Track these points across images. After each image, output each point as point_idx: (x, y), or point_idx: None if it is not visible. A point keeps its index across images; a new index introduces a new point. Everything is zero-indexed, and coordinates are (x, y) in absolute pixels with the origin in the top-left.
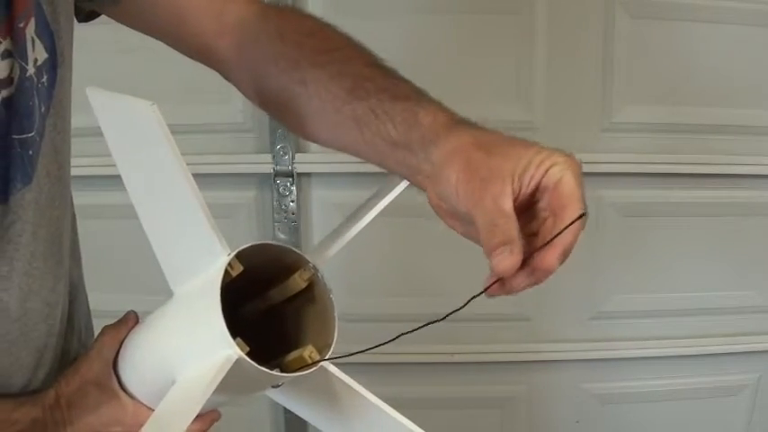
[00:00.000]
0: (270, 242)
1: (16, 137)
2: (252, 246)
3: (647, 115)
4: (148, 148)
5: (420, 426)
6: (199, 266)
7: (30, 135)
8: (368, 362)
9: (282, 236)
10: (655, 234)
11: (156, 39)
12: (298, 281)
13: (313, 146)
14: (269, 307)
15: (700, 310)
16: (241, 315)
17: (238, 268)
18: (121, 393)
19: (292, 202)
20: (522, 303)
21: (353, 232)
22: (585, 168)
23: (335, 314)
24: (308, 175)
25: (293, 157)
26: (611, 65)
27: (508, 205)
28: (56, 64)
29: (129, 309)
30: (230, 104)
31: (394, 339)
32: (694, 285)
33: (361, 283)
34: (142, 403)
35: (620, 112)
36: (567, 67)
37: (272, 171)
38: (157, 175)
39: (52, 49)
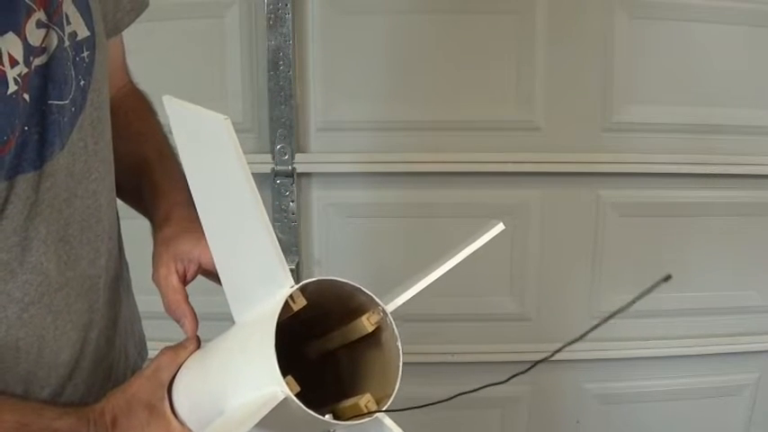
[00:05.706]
0: (338, 279)
1: (54, 102)
2: (318, 280)
3: (647, 115)
4: (218, 164)
5: (420, 426)
6: (261, 295)
7: (65, 102)
8: None
9: (282, 236)
10: (654, 234)
11: None
12: (365, 324)
13: (313, 146)
14: (328, 350)
15: (700, 310)
16: (301, 354)
17: (301, 302)
18: (172, 418)
19: (292, 202)
20: (522, 303)
21: (430, 279)
22: (585, 168)
23: (400, 363)
24: (308, 175)
25: (293, 157)
26: (611, 65)
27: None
28: (95, 44)
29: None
30: (230, 104)
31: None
32: (694, 285)
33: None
34: (190, 430)
35: (620, 112)
36: (567, 67)
37: (271, 171)
38: (225, 193)
39: (92, 30)
